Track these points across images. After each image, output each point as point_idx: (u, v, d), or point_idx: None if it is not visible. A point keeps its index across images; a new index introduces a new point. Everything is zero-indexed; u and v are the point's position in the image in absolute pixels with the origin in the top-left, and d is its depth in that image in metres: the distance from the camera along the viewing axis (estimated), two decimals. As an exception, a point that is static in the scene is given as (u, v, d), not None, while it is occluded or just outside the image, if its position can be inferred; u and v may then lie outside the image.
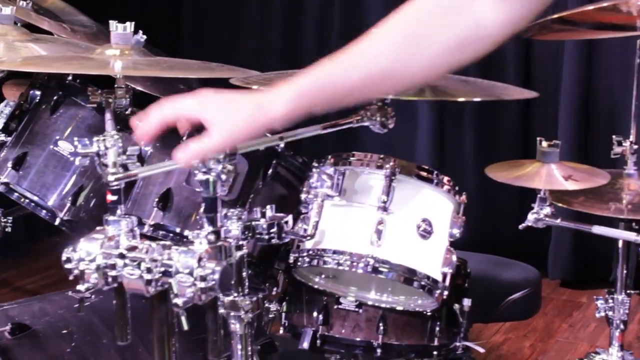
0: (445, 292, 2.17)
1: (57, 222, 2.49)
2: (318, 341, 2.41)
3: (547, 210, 2.14)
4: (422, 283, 2.13)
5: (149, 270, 1.69)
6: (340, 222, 2.13)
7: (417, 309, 2.28)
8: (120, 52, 2.16)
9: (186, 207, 2.28)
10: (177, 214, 2.27)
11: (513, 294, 3.13)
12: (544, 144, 2.13)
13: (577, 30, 2.34)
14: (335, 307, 2.40)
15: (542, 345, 4.12)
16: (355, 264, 2.09)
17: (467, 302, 2.43)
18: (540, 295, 3.26)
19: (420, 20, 1.46)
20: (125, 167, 1.80)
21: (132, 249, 1.72)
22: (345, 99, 1.53)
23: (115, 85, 2.14)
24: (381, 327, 2.37)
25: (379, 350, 2.39)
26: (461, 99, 1.66)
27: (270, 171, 2.31)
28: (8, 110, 2.72)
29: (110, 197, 1.81)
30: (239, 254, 1.80)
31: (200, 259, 1.66)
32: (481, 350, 2.50)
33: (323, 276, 2.30)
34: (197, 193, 2.30)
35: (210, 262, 1.66)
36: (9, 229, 3.08)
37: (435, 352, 2.45)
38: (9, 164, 2.52)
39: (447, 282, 2.17)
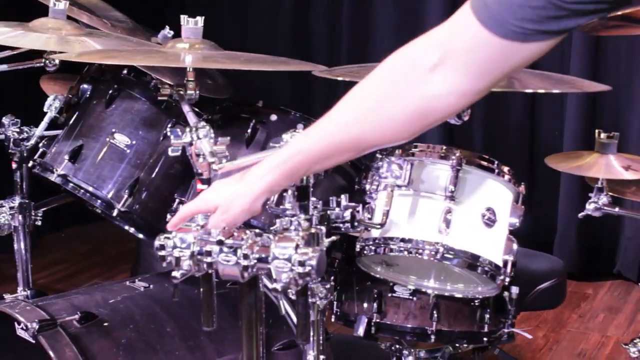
0: (507, 279, 2.24)
1: (115, 213, 2.53)
2: (372, 328, 2.47)
3: (605, 199, 2.22)
4: (486, 269, 2.19)
5: (245, 257, 1.74)
6: (408, 211, 2.19)
7: (476, 296, 2.34)
8: (189, 45, 2.20)
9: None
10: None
11: (540, 284, 3.21)
12: (603, 135, 2.21)
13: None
14: (389, 295, 2.46)
15: (554, 335, 4.21)
16: (423, 251, 2.15)
17: (514, 289, 2.51)
18: (566, 285, 3.35)
19: (380, 92, 1.53)
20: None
21: (230, 236, 1.76)
22: (319, 165, 1.65)
23: (186, 79, 2.18)
24: (435, 315, 2.43)
25: (432, 337, 2.46)
26: (540, 90, 1.72)
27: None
28: (57, 104, 2.76)
29: (200, 187, 1.86)
30: (327, 240, 1.84)
31: (297, 246, 1.71)
32: (529, 336, 2.58)
33: (385, 265, 2.36)
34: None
35: (306, 248, 1.72)
36: (39, 222, 3.10)
37: (485, 339, 2.52)
38: (65, 157, 2.56)
39: (509, 269, 2.24)
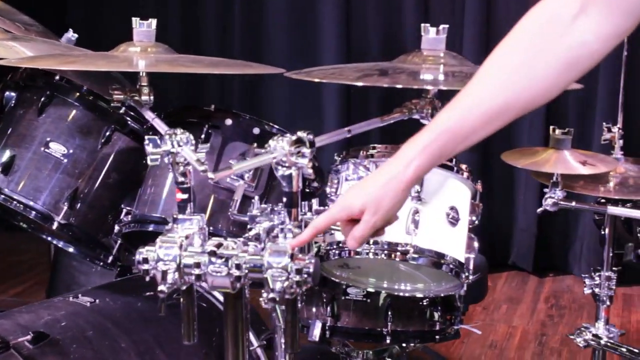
0: (471, 276, 2.25)
1: (54, 226, 2.41)
2: (327, 332, 2.45)
3: (560, 194, 2.26)
4: (451, 267, 2.19)
5: (238, 267, 1.69)
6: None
7: (439, 294, 2.35)
8: (141, 49, 2.11)
9: (211, 204, 2.26)
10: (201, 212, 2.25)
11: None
12: (558, 131, 2.25)
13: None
14: (343, 297, 2.45)
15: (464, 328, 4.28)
16: (392, 252, 2.14)
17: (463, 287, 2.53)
18: (487, 281, 3.40)
19: (525, 50, 1.48)
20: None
21: (218, 246, 1.70)
22: (467, 141, 1.54)
23: (140, 84, 2.09)
24: (389, 315, 2.43)
25: (388, 338, 2.45)
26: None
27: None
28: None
29: (181, 196, 1.79)
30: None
31: (292, 254, 1.67)
32: (478, 332, 2.61)
33: (345, 267, 2.34)
34: (219, 190, 2.31)
35: (302, 255, 1.68)
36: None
37: (437, 337, 2.53)
38: (-5, 169, 2.42)
39: (471, 266, 2.25)
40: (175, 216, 1.78)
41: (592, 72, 1.49)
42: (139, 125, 2.49)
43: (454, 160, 2.25)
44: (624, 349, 2.52)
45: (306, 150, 1.71)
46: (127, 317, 2.36)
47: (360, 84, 1.69)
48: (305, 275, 1.67)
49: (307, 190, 2.46)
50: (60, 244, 2.60)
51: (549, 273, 5.08)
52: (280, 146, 1.71)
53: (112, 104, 2.10)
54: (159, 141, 1.76)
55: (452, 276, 2.22)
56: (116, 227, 2.39)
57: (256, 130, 2.28)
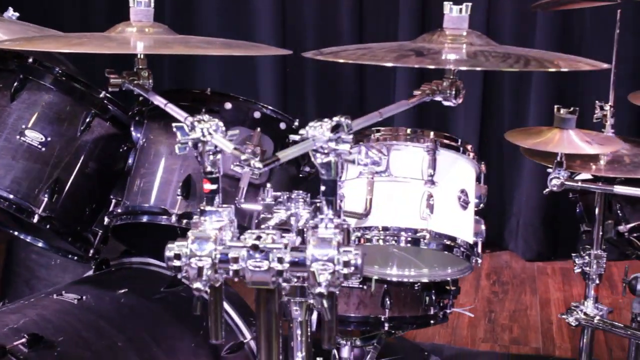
0: (479, 260, 2.20)
1: (35, 219, 2.26)
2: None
3: (564, 174, 2.23)
4: (462, 250, 2.14)
5: (280, 261, 1.60)
6: (386, 198, 2.10)
7: (446, 278, 2.31)
8: (137, 29, 1.97)
9: (211, 193, 2.14)
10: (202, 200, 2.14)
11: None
12: (563, 111, 2.21)
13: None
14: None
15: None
16: (407, 238, 2.08)
17: (455, 270, 2.49)
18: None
19: None
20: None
21: (258, 238, 1.61)
22: None
23: (139, 67, 1.96)
24: (387, 302, 2.38)
25: (386, 325, 2.40)
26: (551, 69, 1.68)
27: (287, 151, 2.23)
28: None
29: (209, 187, 1.68)
30: (345, 235, 1.72)
31: (339, 245, 1.59)
32: (471, 315, 2.58)
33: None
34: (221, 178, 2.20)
35: (348, 247, 1.60)
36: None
37: (432, 321, 2.50)
38: (-34, 162, 2.26)
39: (479, 249, 2.21)
40: (203, 208, 1.67)
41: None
42: (120, 110, 2.35)
43: (459, 140, 2.20)
44: (616, 327, 2.53)
45: (345, 136, 1.63)
46: (119, 313, 2.25)
47: (399, 64, 1.62)
48: (353, 268, 1.60)
49: (300, 175, 2.38)
50: (40, 244, 2.47)
51: (486, 249, 5.10)
52: (320, 132, 1.62)
53: (109, 89, 1.96)
54: (186, 129, 1.65)
55: (463, 259, 2.17)
56: (106, 219, 2.25)
57: (257, 114, 2.18)
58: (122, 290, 2.33)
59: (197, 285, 1.62)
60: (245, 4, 4.84)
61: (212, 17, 4.94)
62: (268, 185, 1.85)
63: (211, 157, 1.67)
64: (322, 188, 1.67)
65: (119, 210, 2.23)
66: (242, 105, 2.20)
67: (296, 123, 2.26)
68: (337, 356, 2.62)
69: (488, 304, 4.30)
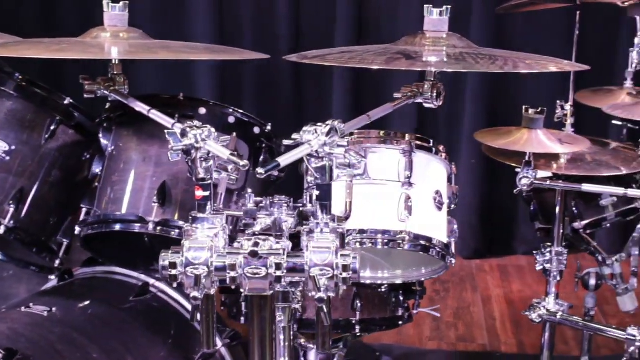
0: (453, 260, 2.22)
1: (1, 230, 2.20)
2: (295, 325, 2.36)
3: (533, 173, 2.26)
4: (438, 250, 2.16)
5: (278, 267, 1.59)
6: (363, 200, 2.09)
7: (420, 279, 2.32)
8: (111, 34, 1.93)
9: (188, 199, 2.12)
10: (179, 208, 2.11)
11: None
12: (531, 111, 2.25)
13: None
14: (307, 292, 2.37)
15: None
16: (386, 241, 2.08)
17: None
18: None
19: None
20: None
21: (255, 245, 1.60)
22: None
23: (115, 72, 1.93)
24: (358, 305, 2.38)
25: (357, 327, 2.40)
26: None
27: (262, 156, 2.22)
28: None
29: (201, 193, 1.66)
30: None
31: (337, 249, 1.59)
32: (437, 314, 2.60)
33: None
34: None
35: (346, 251, 1.60)
36: None
37: (400, 322, 2.51)
38: None
39: (453, 249, 2.23)
40: (194, 215, 1.65)
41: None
42: (85, 117, 2.30)
43: (430, 141, 2.21)
44: (577, 321, 2.58)
45: (341, 141, 1.63)
46: (90, 324, 2.21)
47: (390, 67, 1.63)
48: (352, 272, 1.60)
49: (270, 180, 2.37)
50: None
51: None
52: (315, 137, 1.62)
53: (85, 95, 1.92)
54: (179, 135, 1.63)
55: (439, 259, 2.18)
56: (77, 228, 2.20)
57: (231, 119, 2.16)
58: (91, 301, 2.29)
59: (194, 294, 1.60)
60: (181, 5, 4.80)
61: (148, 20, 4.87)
62: (249, 190, 1.82)
63: (204, 164, 1.65)
64: (317, 192, 1.67)
65: (91, 220, 2.19)
66: (216, 110, 2.18)
67: (268, 127, 2.25)
68: (302, 360, 2.62)
69: (431, 302, 4.34)
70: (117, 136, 2.23)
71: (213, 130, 1.63)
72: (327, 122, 1.63)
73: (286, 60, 1.82)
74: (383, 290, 2.45)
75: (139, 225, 2.11)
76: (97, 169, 2.29)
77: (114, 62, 1.94)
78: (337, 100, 4.71)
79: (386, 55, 1.74)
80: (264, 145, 2.23)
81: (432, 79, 1.90)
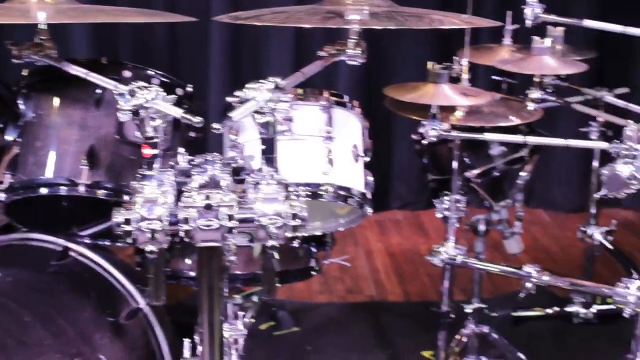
0: (370, 209, 2.33)
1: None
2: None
3: (440, 125, 2.39)
4: (357, 199, 2.26)
5: (230, 218, 1.66)
6: (288, 155, 2.17)
7: (338, 229, 2.41)
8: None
9: (117, 161, 2.15)
10: (109, 170, 2.14)
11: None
12: (436, 66, 2.37)
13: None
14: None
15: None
16: (310, 192, 2.17)
17: (333, 222, 2.61)
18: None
19: None
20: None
21: (207, 198, 1.66)
22: None
23: (42, 37, 1.93)
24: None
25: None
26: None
27: (183, 116, 2.26)
28: None
29: (149, 152, 1.72)
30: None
31: (285, 199, 1.68)
32: (348, 264, 2.71)
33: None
34: (123, 146, 2.21)
35: (294, 200, 1.69)
36: None
37: (313, 272, 2.61)
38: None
39: (370, 199, 2.34)
40: (143, 173, 1.70)
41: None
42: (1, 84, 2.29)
43: (345, 96, 2.31)
44: (477, 263, 2.75)
45: (284, 96, 1.71)
46: (18, 290, 2.23)
47: (326, 25, 1.71)
48: (300, 220, 1.69)
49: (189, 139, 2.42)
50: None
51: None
52: (260, 94, 1.69)
53: (14, 60, 1.92)
54: (128, 95, 1.67)
55: (357, 208, 2.29)
56: (2, 195, 2.19)
57: (155, 81, 2.20)
58: (14, 267, 2.30)
59: (149, 248, 1.65)
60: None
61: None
62: (182, 149, 1.88)
63: (152, 123, 1.69)
64: (262, 147, 1.75)
65: (17, 185, 2.19)
66: (140, 73, 2.21)
67: (189, 88, 2.30)
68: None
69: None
70: (38, 102, 2.23)
71: (161, 90, 1.68)
72: (270, 79, 1.71)
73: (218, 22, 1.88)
74: (297, 242, 2.53)
75: (68, 188, 2.13)
76: (11, 136, 2.27)
77: (40, 27, 1.95)
78: (275, 59, 4.78)
79: (319, 14, 1.82)
80: (185, 106, 2.28)
81: (356, 37, 1.99)
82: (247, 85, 1.70)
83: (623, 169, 2.28)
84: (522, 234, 3.15)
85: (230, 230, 1.66)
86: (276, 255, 1.70)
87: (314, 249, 2.57)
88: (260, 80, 1.69)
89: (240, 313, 2.55)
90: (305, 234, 2.41)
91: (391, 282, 4.15)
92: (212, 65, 4.81)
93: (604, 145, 2.36)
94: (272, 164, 1.74)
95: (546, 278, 2.54)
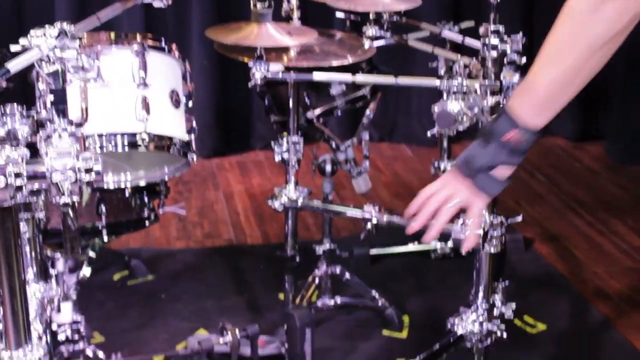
0: (195, 156, 2.25)
1: None
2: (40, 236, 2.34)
3: (266, 66, 2.29)
4: (178, 148, 2.18)
5: (18, 176, 1.55)
6: (100, 104, 2.07)
7: (164, 178, 2.33)
8: None
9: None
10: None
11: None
12: (259, 5, 2.26)
13: None
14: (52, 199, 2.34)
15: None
16: (126, 143, 2.08)
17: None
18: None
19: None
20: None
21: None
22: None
23: None
24: (102, 209, 2.37)
25: (104, 231, 2.40)
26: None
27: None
28: None
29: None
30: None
31: (77, 153, 1.58)
32: (183, 212, 2.63)
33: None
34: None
35: (87, 154, 1.59)
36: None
37: (147, 223, 2.53)
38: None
39: (194, 146, 2.26)
40: None
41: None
42: None
43: (162, 39, 2.21)
44: (317, 205, 2.71)
45: (71, 43, 1.60)
46: None
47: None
48: (94, 174, 1.59)
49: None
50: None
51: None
52: (44, 40, 1.58)
53: None
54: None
55: (180, 157, 2.21)
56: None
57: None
58: None
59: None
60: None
61: None
62: (-25, 104, 1.75)
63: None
64: (51, 97, 1.64)
65: None
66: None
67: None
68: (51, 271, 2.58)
69: (175, 203, 4.36)
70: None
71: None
72: (55, 24, 1.60)
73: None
74: (127, 193, 2.45)
75: None
76: None
77: None
78: (59, 4, 4.56)
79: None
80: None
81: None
82: (31, 32, 1.58)
83: (452, 105, 2.25)
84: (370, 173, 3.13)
85: (19, 188, 1.56)
86: (71, 214, 1.60)
87: (146, 199, 2.49)
88: (46, 26, 1.58)
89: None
90: (130, 185, 2.35)
91: (250, 224, 4.09)
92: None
93: (435, 82, 2.32)
94: (63, 115, 1.62)
95: (386, 218, 2.52)
